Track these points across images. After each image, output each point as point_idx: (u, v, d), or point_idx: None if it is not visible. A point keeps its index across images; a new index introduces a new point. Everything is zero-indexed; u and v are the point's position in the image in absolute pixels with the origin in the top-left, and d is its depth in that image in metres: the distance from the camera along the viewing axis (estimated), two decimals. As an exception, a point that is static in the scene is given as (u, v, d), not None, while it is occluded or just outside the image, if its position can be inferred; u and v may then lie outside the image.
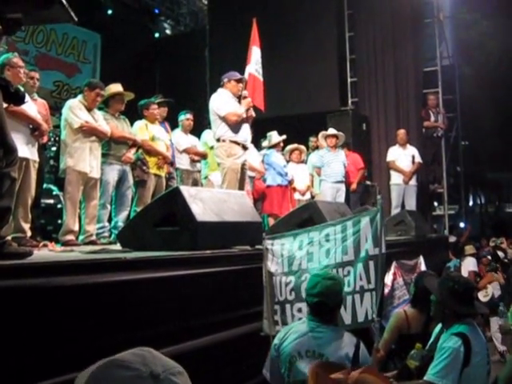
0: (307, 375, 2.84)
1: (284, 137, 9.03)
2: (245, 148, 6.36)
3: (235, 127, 6.22)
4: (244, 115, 6.30)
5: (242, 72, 6.59)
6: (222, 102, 6.25)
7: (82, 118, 5.76)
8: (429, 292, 3.78)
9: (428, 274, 4.78)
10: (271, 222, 8.26)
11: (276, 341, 3.21)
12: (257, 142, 9.11)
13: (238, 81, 6.39)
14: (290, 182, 8.91)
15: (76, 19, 3.04)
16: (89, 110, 5.91)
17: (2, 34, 3.25)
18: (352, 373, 1.80)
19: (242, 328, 3.60)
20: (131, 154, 6.39)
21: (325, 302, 3.12)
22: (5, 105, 3.06)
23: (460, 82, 12.24)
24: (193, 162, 7.58)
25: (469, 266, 9.12)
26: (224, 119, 6.19)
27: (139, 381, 1.07)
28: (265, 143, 9.12)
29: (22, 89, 4.31)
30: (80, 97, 6.04)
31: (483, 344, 3.35)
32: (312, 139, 10.32)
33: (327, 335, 3.10)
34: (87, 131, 5.78)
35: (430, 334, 3.81)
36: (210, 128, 6.92)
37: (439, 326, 3.60)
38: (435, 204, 12.48)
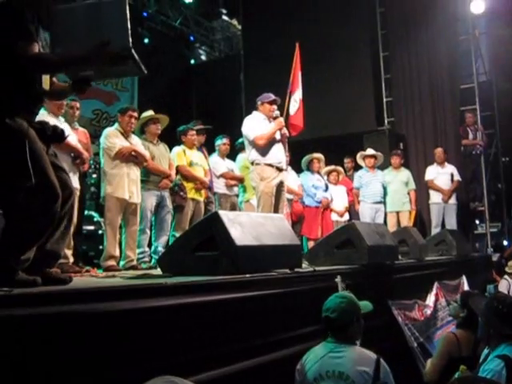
0: None
1: (316, 155, 9.06)
2: (279, 169, 6.31)
3: (267, 149, 6.20)
4: (276, 136, 6.29)
5: (278, 94, 6.61)
6: (251, 125, 6.27)
7: (118, 144, 5.87)
8: None
9: (474, 294, 4.69)
10: (310, 244, 8.22)
11: (298, 366, 3.27)
12: (296, 164, 9.11)
13: (271, 102, 6.38)
14: (322, 203, 8.84)
15: (146, 72, 3.09)
16: (126, 136, 6.02)
17: (71, 91, 3.34)
18: None
19: (282, 352, 3.58)
20: (168, 180, 6.47)
21: (330, 317, 3.23)
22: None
23: (498, 98, 12.05)
24: (230, 186, 7.62)
25: (501, 289, 8.56)
26: (253, 143, 6.22)
27: None
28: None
29: (59, 126, 4.40)
30: (116, 125, 6.17)
31: None
32: (346, 160, 10.31)
33: (345, 354, 3.15)
34: (126, 154, 5.87)
35: (479, 356, 3.73)
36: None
37: (487, 347, 3.53)
38: (477, 222, 12.24)
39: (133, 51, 2.91)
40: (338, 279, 4.34)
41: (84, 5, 3.11)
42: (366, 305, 3.45)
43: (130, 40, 2.90)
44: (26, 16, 2.89)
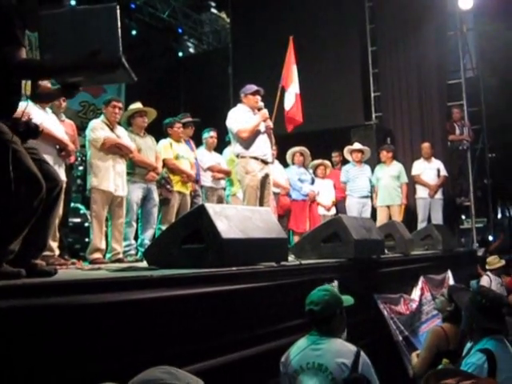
0: None
1: (299, 148, 9.06)
2: (265, 162, 6.28)
3: (252, 142, 6.16)
4: (260, 128, 6.24)
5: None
6: (234, 118, 6.22)
7: (102, 135, 5.84)
8: None
9: (459, 289, 4.73)
10: (296, 238, 8.23)
11: (283, 358, 3.31)
12: (283, 158, 9.10)
13: (254, 93, 6.31)
14: (308, 196, 8.85)
15: (136, 79, 3.07)
16: (112, 128, 5.99)
17: (59, 95, 3.30)
18: (464, 381, 1.80)
19: (268, 345, 3.59)
20: (155, 173, 6.45)
21: (314, 310, 3.27)
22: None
23: (485, 94, 12.12)
24: (217, 179, 7.60)
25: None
26: (236, 136, 6.18)
27: None
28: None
29: (46, 116, 4.33)
30: (102, 117, 6.13)
31: (511, 361, 3.28)
32: (334, 154, 10.33)
33: (325, 346, 3.19)
34: (110, 147, 5.84)
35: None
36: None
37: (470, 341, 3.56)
38: (463, 217, 12.32)
39: (123, 60, 2.88)
40: (335, 284, 4.36)
41: (74, 11, 3.06)
42: (347, 299, 3.47)
43: (121, 49, 2.88)
44: (13, 20, 2.85)
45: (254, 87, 6.34)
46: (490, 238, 12.78)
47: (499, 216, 18.05)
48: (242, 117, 6.21)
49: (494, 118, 12.40)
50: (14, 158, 2.73)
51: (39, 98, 3.48)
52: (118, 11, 2.89)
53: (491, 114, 12.23)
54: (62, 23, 2.94)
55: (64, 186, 5.32)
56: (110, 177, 5.79)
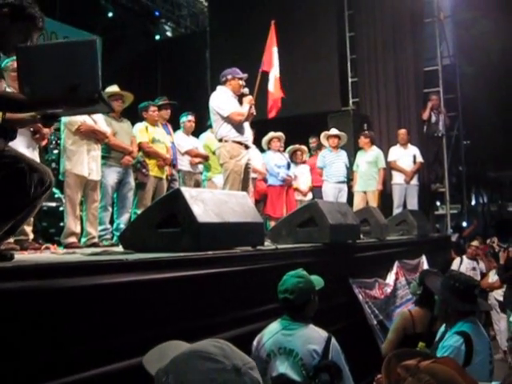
0: (281, 372, 3.08)
1: (275, 133, 9.04)
2: (247, 147, 6.24)
3: (238, 127, 6.10)
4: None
5: (243, 72, 6.45)
6: (224, 101, 6.11)
7: (78, 120, 5.77)
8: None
9: (430, 273, 4.78)
10: (272, 224, 8.23)
11: (255, 343, 3.31)
12: (259, 143, 9.09)
13: (241, 79, 6.24)
14: (285, 182, 8.86)
15: (114, 110, 3.10)
16: (87, 111, 5.91)
17: (35, 122, 3.38)
18: (424, 361, 1.82)
19: (244, 329, 3.60)
20: (131, 157, 6.40)
21: (289, 298, 3.26)
22: None
23: (461, 82, 12.21)
24: (194, 164, 7.56)
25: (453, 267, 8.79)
26: (227, 119, 6.05)
27: (224, 374, 1.11)
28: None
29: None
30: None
31: (486, 343, 3.34)
32: (311, 140, 10.34)
33: (296, 331, 3.20)
34: (85, 132, 5.77)
35: (434, 333, 3.81)
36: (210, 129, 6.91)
37: (444, 324, 3.61)
38: (437, 203, 12.46)
39: (102, 94, 2.90)
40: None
41: (54, 44, 3.04)
42: (318, 281, 3.46)
43: (100, 84, 2.88)
44: None
45: (241, 72, 6.27)
46: (464, 223, 12.96)
47: (473, 202, 18.29)
48: (231, 100, 6.14)
49: (469, 105, 12.52)
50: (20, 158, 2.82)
51: (10, 124, 3.38)
52: (98, 45, 2.89)
53: (467, 102, 12.34)
54: (42, 57, 2.92)
55: (53, 183, 5.32)
56: (84, 161, 5.73)
